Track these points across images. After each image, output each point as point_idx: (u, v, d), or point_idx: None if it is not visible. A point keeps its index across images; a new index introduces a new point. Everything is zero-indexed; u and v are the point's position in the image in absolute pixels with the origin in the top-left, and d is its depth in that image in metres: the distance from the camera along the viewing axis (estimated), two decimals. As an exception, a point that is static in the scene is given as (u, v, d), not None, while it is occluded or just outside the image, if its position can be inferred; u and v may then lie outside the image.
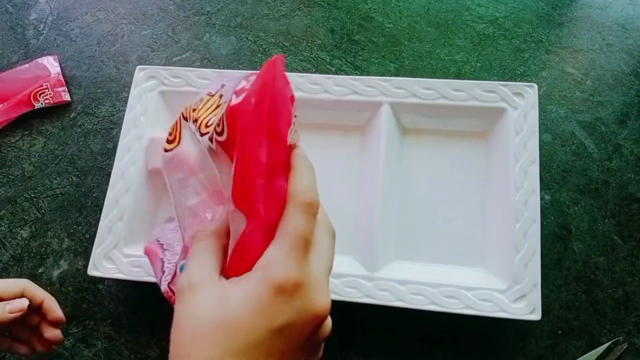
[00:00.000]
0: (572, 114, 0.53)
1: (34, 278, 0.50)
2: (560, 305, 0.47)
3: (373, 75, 0.56)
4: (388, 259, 0.47)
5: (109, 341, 0.48)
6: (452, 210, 0.49)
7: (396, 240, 0.48)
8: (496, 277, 0.45)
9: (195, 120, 0.28)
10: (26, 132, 0.57)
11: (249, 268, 0.25)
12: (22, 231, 0.53)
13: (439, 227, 0.48)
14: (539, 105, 0.50)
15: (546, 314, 0.46)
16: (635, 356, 0.45)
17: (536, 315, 0.43)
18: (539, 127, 0.49)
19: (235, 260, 0.26)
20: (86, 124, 0.57)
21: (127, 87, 0.58)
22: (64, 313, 0.48)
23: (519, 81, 0.54)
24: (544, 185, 0.50)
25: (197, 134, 0.28)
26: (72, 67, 0.60)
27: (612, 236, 0.48)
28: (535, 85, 0.49)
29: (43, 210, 0.53)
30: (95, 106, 0.58)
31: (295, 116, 0.27)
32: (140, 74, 0.53)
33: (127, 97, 0.53)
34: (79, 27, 0.62)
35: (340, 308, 0.44)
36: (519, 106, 0.49)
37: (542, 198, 0.49)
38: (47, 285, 0.50)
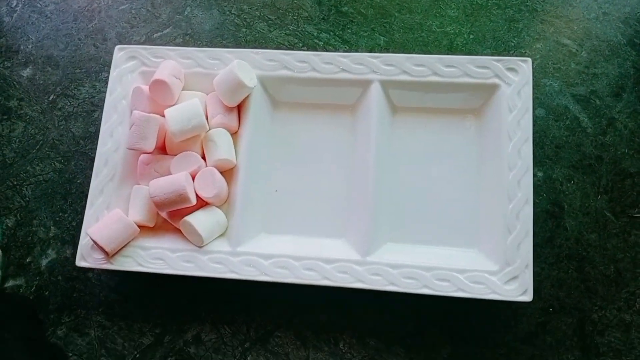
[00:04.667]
0: (567, 87, 0.52)
1: (22, 268, 0.50)
2: (551, 283, 0.47)
3: (362, 49, 0.54)
4: (381, 242, 0.46)
5: (102, 329, 0.48)
6: (444, 190, 0.48)
7: (388, 222, 0.47)
8: (488, 258, 0.45)
9: None
10: (5, 117, 0.55)
11: None
12: (7, 220, 0.51)
13: (432, 208, 0.48)
14: (533, 79, 0.49)
15: (537, 292, 0.46)
16: (625, 332, 0.45)
17: (528, 297, 0.43)
18: (533, 102, 0.48)
19: None
20: (66, 107, 0.55)
21: (106, 66, 0.55)
22: (55, 303, 0.49)
23: (512, 54, 0.53)
24: (537, 161, 0.50)
25: None
26: (48, 46, 0.57)
27: (604, 213, 0.48)
28: (530, 60, 0.47)
29: (27, 198, 0.52)
30: (75, 87, 0.55)
31: None
32: (120, 54, 0.51)
33: (107, 77, 0.51)
34: (54, 2, 0.59)
35: (332, 290, 0.44)
36: (513, 82, 0.47)
37: (534, 175, 0.49)
38: (36, 275, 0.49)
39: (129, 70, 0.51)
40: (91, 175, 0.48)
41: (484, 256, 0.45)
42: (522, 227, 0.44)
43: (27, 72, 0.56)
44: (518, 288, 0.43)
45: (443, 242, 0.47)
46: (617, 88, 0.51)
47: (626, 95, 0.51)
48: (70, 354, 0.47)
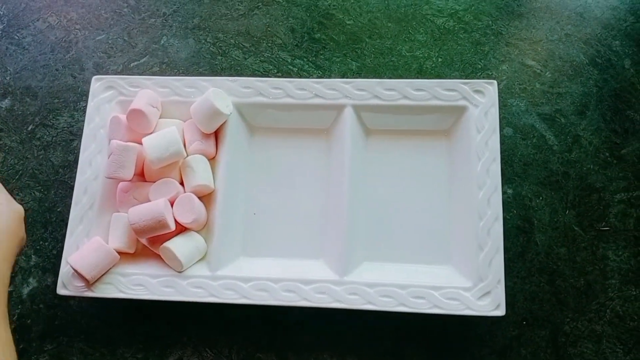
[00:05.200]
0: (533, 106, 0.54)
1: (3, 298, 0.50)
2: (524, 296, 0.48)
3: (335, 74, 0.56)
4: (357, 261, 0.47)
5: (84, 356, 0.48)
6: (418, 209, 0.50)
7: (364, 242, 0.49)
8: (462, 274, 0.46)
9: None
10: (-17, 148, 0.56)
11: None
12: (-14, 251, 0.52)
13: (406, 227, 0.49)
14: (500, 99, 0.51)
15: (511, 306, 0.47)
16: (596, 342, 0.47)
17: (500, 311, 0.44)
18: (501, 121, 0.49)
19: None
20: (45, 137, 0.56)
21: (84, 96, 0.56)
22: (37, 331, 0.49)
23: (480, 76, 0.55)
24: (507, 179, 0.51)
25: None
26: (26, 77, 0.58)
27: (572, 227, 0.50)
28: (495, 82, 0.49)
29: (7, 228, 0.52)
30: (53, 117, 0.56)
31: None
32: (97, 84, 0.52)
33: (85, 106, 0.52)
34: (31, 34, 0.60)
35: (312, 310, 0.45)
36: (480, 104, 0.49)
37: (504, 192, 0.50)
38: (18, 304, 0.50)
39: (107, 100, 0.51)
40: (71, 203, 0.48)
41: (458, 273, 0.47)
42: (493, 244, 0.46)
43: (5, 103, 0.57)
44: (491, 303, 0.44)
45: (417, 260, 0.48)
46: (581, 106, 0.53)
47: (590, 112, 0.53)
48: (52, 383, 0.48)
